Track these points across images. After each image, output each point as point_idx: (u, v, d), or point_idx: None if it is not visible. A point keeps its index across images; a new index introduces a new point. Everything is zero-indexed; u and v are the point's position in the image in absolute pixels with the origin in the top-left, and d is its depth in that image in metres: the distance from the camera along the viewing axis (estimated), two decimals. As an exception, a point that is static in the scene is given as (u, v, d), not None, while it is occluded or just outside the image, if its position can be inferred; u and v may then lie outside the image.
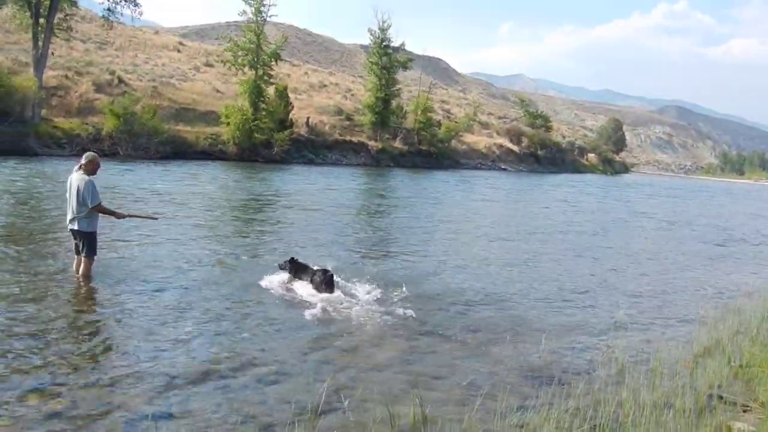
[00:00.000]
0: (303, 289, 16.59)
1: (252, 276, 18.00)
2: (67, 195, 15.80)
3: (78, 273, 16.08)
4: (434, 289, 18.30)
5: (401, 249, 24.52)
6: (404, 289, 17.44)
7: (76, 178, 15.59)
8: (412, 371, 11.79)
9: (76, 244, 16.04)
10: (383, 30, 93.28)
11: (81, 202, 15.48)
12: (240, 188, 43.63)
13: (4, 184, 34.51)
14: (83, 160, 15.76)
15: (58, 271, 16.69)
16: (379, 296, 16.74)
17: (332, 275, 16.67)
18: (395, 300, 16.50)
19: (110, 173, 32.31)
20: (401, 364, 12.16)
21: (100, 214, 15.99)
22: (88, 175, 15.68)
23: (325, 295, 16.04)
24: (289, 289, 16.79)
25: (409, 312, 15.33)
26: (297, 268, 17.41)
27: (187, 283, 16.71)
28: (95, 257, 16.17)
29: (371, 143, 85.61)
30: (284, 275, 17.57)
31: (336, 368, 11.64)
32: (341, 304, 15.69)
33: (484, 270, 21.53)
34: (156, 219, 21.35)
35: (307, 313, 14.82)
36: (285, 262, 17.79)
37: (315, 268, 17.20)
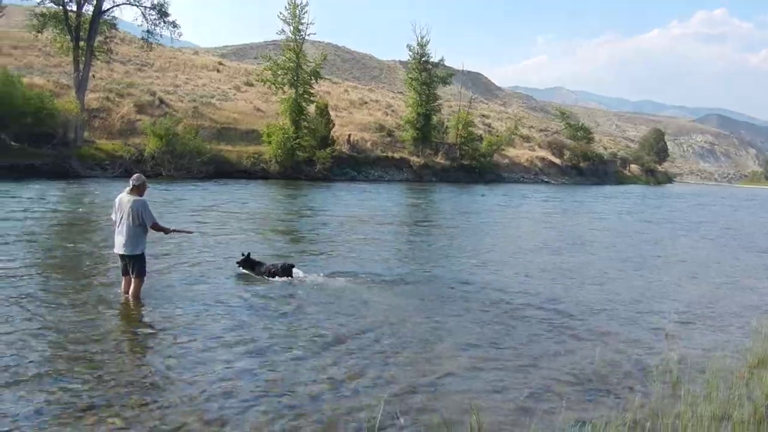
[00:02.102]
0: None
1: (301, 293, 17.96)
2: (115, 217, 15.78)
3: (127, 294, 16.01)
4: (486, 300, 18.20)
5: (454, 263, 24.33)
6: (456, 302, 17.51)
7: (127, 199, 15.55)
8: (468, 385, 11.69)
9: (124, 265, 15.92)
10: (422, 46, 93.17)
11: (138, 223, 15.48)
12: (284, 206, 43.69)
13: (50, 205, 34.75)
14: (136, 182, 15.73)
15: (107, 293, 16.65)
16: (431, 309, 16.78)
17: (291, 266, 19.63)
18: (447, 313, 16.46)
19: (155, 194, 32.27)
20: (458, 377, 12.04)
21: (147, 236, 15.95)
22: (139, 196, 15.67)
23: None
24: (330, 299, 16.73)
25: (463, 325, 15.31)
26: (251, 264, 19.73)
27: (237, 301, 16.68)
28: (145, 278, 16.13)
29: (413, 159, 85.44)
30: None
31: (393, 382, 11.58)
32: (393, 317, 15.63)
33: (536, 282, 21.28)
34: (191, 233, 21.23)
35: (363, 326, 14.87)
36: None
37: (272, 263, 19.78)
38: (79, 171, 56.30)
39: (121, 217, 15.57)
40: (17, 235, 25.33)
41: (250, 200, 45.43)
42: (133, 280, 15.86)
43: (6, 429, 9.10)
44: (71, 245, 24.10)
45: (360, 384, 11.47)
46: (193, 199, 42.87)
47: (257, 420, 9.82)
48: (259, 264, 19.90)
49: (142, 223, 15.51)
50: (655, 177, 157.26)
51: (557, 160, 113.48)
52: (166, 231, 16.60)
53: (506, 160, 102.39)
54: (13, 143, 55.16)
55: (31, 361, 11.60)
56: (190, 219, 31.72)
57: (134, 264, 15.74)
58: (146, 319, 14.87)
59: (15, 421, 9.35)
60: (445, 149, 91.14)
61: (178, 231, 18.30)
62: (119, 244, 15.68)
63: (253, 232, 30.21)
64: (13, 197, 37.65)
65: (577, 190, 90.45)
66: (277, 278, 19.29)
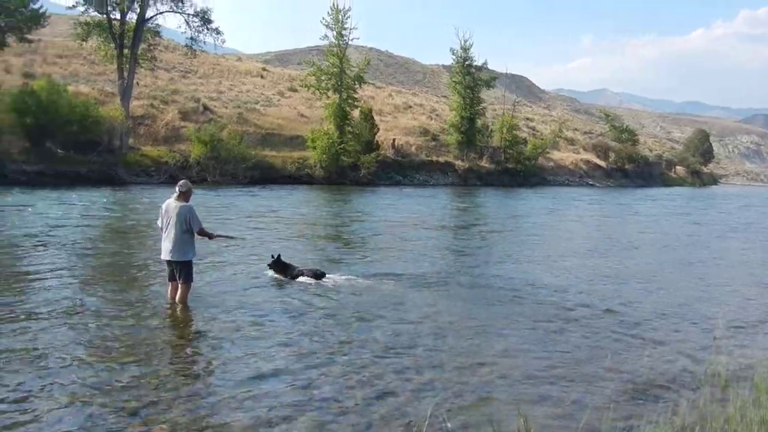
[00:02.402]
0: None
1: (346, 296, 18.02)
2: (161, 223, 15.84)
3: (174, 299, 16.05)
4: (536, 304, 18.14)
5: (503, 266, 24.28)
6: (505, 305, 17.52)
7: (174, 206, 15.59)
8: (516, 389, 11.65)
9: (171, 270, 15.94)
10: (465, 49, 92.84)
11: (185, 228, 15.53)
12: (330, 210, 43.89)
13: (97, 212, 35.06)
14: (183, 189, 15.81)
15: (154, 299, 16.81)
16: (480, 312, 16.76)
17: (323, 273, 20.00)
18: (496, 316, 16.45)
19: (200, 200, 32.30)
20: (505, 381, 12.02)
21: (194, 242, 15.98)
22: (186, 202, 15.71)
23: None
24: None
25: (505, 329, 15.29)
26: (281, 266, 19.98)
27: (283, 306, 16.68)
28: (192, 283, 16.14)
29: (458, 163, 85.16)
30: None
31: (440, 387, 11.50)
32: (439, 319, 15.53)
33: (585, 285, 21.17)
34: (233, 238, 21.55)
35: (410, 329, 14.86)
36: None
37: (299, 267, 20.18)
38: (125, 178, 56.91)
39: (168, 224, 15.61)
40: (65, 241, 25.64)
41: (296, 205, 45.76)
42: (180, 285, 15.90)
43: None
44: (118, 251, 24.46)
45: (406, 388, 11.47)
46: (239, 204, 43.23)
47: (303, 425, 9.83)
48: (290, 267, 20.14)
49: (189, 228, 15.57)
50: (700, 178, 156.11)
51: (602, 163, 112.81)
52: (211, 236, 16.60)
53: (551, 164, 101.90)
54: (59, 151, 55.69)
55: (77, 366, 11.69)
56: (237, 224, 31.91)
57: (181, 270, 15.77)
58: (193, 325, 14.98)
59: (64, 426, 9.36)
60: (489, 153, 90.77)
61: (222, 236, 18.29)
62: (166, 250, 15.71)
63: (301, 236, 30.40)
64: (61, 204, 38.19)
65: (622, 192, 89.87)
66: (304, 279, 19.57)
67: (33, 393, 10.45)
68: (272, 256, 20.24)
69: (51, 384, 10.80)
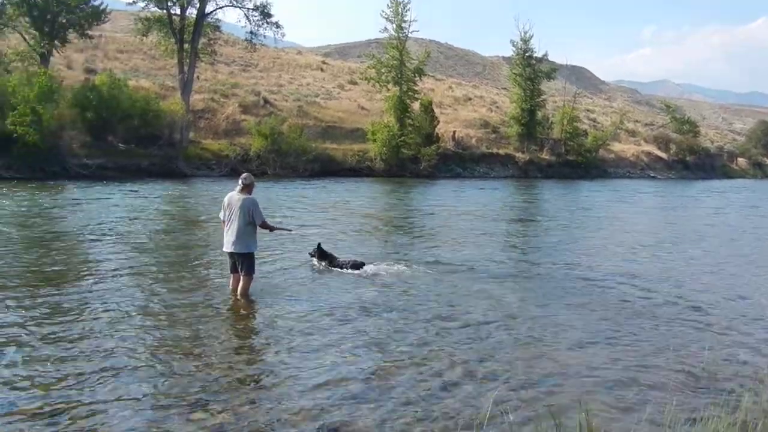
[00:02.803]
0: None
1: (411, 287, 18.08)
2: (223, 216, 15.92)
3: (235, 292, 16.11)
4: (601, 296, 18.00)
5: (569, 258, 24.12)
6: (570, 297, 17.39)
7: (237, 198, 15.70)
8: (576, 382, 11.57)
9: (233, 262, 16.03)
10: (525, 41, 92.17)
11: (248, 221, 15.62)
12: (394, 202, 44.26)
13: (159, 205, 35.44)
14: (246, 181, 15.91)
15: (216, 291, 16.88)
16: (545, 304, 16.68)
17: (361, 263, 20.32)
18: (561, 307, 16.34)
19: (262, 192, 32.33)
20: (565, 374, 11.89)
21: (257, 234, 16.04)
22: (248, 194, 15.81)
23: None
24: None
25: (571, 321, 15.15)
26: (323, 255, 20.41)
27: (345, 297, 16.66)
28: (254, 275, 16.16)
29: (518, 155, 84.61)
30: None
31: (500, 380, 11.40)
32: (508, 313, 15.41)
33: (651, 278, 20.79)
34: (290, 231, 21.73)
35: (474, 320, 14.84)
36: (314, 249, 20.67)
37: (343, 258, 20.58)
38: (186, 171, 57.57)
39: (231, 216, 15.68)
40: (128, 233, 26.10)
41: (358, 197, 46.19)
42: (242, 277, 15.96)
43: (119, 422, 9.25)
44: (181, 243, 24.78)
45: (469, 379, 11.45)
46: (301, 196, 43.52)
47: (367, 416, 9.81)
48: (330, 256, 20.48)
49: (252, 221, 15.66)
50: (762, 170, 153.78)
51: (663, 155, 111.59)
52: (271, 229, 16.85)
53: (612, 156, 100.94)
54: (120, 145, 56.19)
55: (141, 357, 11.85)
56: (300, 216, 32.27)
57: (244, 262, 15.83)
58: (254, 317, 15.10)
59: (127, 415, 9.46)
60: (550, 145, 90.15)
61: (281, 229, 18.32)
62: (229, 242, 15.78)
63: (365, 228, 30.72)
64: (124, 197, 38.75)
65: (684, 184, 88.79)
66: (346, 270, 19.81)
67: (96, 383, 10.53)
68: (318, 245, 20.65)
69: (115, 374, 10.90)
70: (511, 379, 11.50)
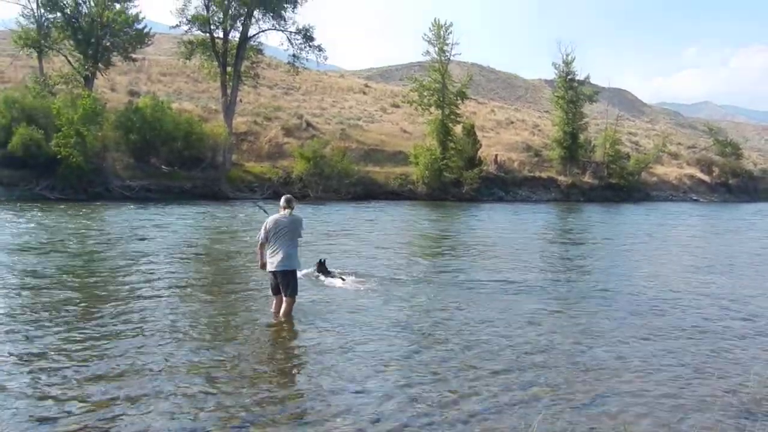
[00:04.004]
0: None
1: (458, 309, 17.87)
2: (264, 238, 15.91)
3: (278, 313, 16.06)
4: (647, 318, 17.62)
5: (619, 281, 23.61)
6: (616, 320, 17.22)
7: (283, 217, 15.76)
8: (617, 407, 11.25)
9: (276, 284, 15.95)
10: (567, 63, 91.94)
11: (293, 238, 15.76)
12: (439, 225, 43.89)
13: (201, 226, 35.89)
14: (293, 203, 16.11)
15: (257, 312, 16.89)
16: (592, 327, 16.48)
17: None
18: (608, 329, 16.17)
19: (304, 215, 32.56)
20: (606, 400, 11.59)
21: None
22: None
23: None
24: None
25: (624, 341, 15.04)
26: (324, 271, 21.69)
27: (387, 319, 16.54)
28: (296, 297, 16.15)
29: (560, 178, 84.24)
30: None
31: (543, 405, 11.16)
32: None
33: (700, 301, 20.29)
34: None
35: (520, 341, 14.76)
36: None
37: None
38: (228, 193, 58.04)
39: (276, 236, 15.67)
40: (173, 254, 26.13)
41: (408, 220, 46.47)
42: (285, 299, 15.90)
43: None
44: (223, 265, 24.91)
45: (511, 398, 11.34)
46: (345, 219, 43.75)
47: None
48: (330, 272, 21.72)
49: (297, 237, 15.85)
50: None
51: (706, 178, 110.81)
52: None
53: (654, 178, 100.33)
54: (163, 167, 56.66)
55: (184, 376, 11.88)
56: (345, 240, 32.36)
57: (289, 282, 15.78)
58: (297, 338, 14.99)
59: None
60: (592, 168, 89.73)
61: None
62: (275, 262, 15.69)
63: (412, 251, 30.48)
64: (168, 219, 38.96)
65: (728, 207, 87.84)
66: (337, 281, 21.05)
67: (139, 402, 10.62)
68: (320, 260, 22.01)
69: (154, 394, 10.97)
70: (553, 399, 11.43)
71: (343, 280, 21.03)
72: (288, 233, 15.61)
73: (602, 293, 21.18)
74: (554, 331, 15.93)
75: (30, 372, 11.80)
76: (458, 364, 13.20)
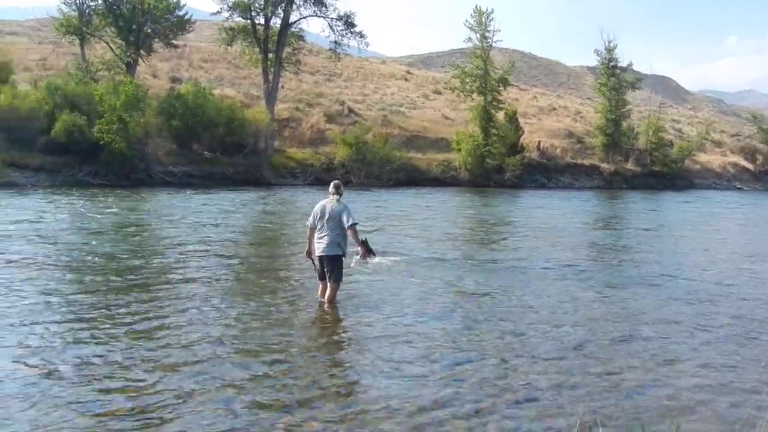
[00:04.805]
0: None
1: (504, 295, 17.85)
2: (313, 223, 15.91)
3: (323, 298, 16.04)
4: (698, 309, 17.28)
5: (670, 268, 23.27)
6: (664, 309, 16.93)
7: (330, 203, 15.73)
8: (666, 397, 11.03)
9: (322, 269, 15.91)
10: (609, 50, 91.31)
11: (339, 224, 15.60)
12: (480, 213, 43.74)
13: (245, 212, 36.44)
14: (341, 188, 16.14)
15: (303, 297, 16.94)
16: (642, 316, 16.14)
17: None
18: (654, 320, 15.79)
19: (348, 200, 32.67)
20: (654, 388, 11.45)
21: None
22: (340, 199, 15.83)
23: None
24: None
25: (668, 332, 14.74)
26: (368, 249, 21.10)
27: (434, 306, 16.48)
28: (341, 282, 16.08)
29: (603, 165, 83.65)
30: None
31: (589, 392, 11.06)
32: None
33: (748, 291, 19.90)
34: (371, 255, 21.36)
35: (567, 330, 14.56)
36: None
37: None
38: (270, 179, 58.22)
39: (323, 222, 15.67)
40: (218, 240, 26.30)
41: (446, 206, 46.47)
42: (329, 284, 15.85)
43: (207, 426, 9.28)
44: (267, 250, 25.18)
45: (558, 388, 11.18)
46: (389, 205, 43.73)
47: (454, 428, 9.52)
48: (373, 252, 21.63)
49: (342, 224, 15.62)
50: None
51: (750, 166, 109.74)
52: (358, 242, 16.77)
53: (697, 166, 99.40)
54: (205, 153, 56.91)
55: (229, 362, 11.92)
56: (390, 224, 32.61)
57: (333, 267, 15.71)
58: (341, 324, 15.03)
59: (216, 419, 9.50)
60: (635, 155, 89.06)
61: (365, 250, 18.02)
62: (320, 247, 15.68)
63: (456, 235, 30.74)
64: (213, 204, 39.45)
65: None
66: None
67: (186, 386, 10.61)
68: (362, 239, 20.48)
69: (202, 379, 10.95)
70: (600, 389, 11.25)
71: (385, 259, 21.38)
72: (334, 219, 15.53)
73: (652, 279, 20.98)
74: (602, 317, 15.88)
75: (78, 354, 11.91)
76: (503, 349, 13.17)
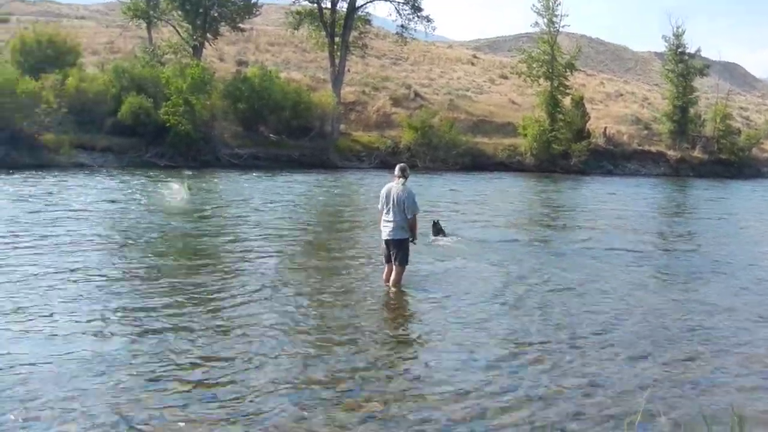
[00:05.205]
0: None
1: (577, 282, 17.79)
2: (382, 205, 15.96)
3: (388, 282, 16.11)
4: (760, 297, 17.12)
5: (732, 257, 23.01)
6: (727, 297, 16.81)
7: (395, 187, 15.72)
8: (731, 389, 10.97)
9: (388, 253, 15.99)
10: (678, 36, 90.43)
11: (402, 210, 15.54)
12: (547, 198, 43.57)
13: (311, 194, 37.05)
14: (407, 171, 16.18)
15: (366, 279, 17.16)
16: (699, 302, 16.18)
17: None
18: (717, 307, 15.65)
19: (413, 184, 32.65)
20: (720, 379, 11.44)
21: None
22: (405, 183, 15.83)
23: None
24: None
25: (730, 319, 14.63)
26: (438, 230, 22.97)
27: (497, 292, 16.51)
28: (407, 266, 16.12)
29: (670, 152, 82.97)
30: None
31: (654, 381, 11.08)
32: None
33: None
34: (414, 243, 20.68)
35: (630, 319, 14.49)
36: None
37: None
38: (336, 162, 58.56)
39: (389, 205, 15.72)
40: (285, 220, 26.98)
41: (513, 191, 47.06)
42: (395, 267, 15.92)
43: (271, 405, 9.52)
44: (335, 232, 25.47)
45: (621, 374, 11.33)
46: (456, 189, 43.91)
47: (516, 414, 9.64)
48: (444, 233, 22.92)
49: (405, 210, 15.64)
50: None
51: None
52: (414, 236, 16.36)
53: (766, 155, 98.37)
54: (272, 135, 57.36)
55: (292, 342, 12.30)
56: (459, 207, 33.08)
57: (399, 250, 15.78)
58: (406, 307, 15.29)
59: (279, 401, 9.68)
60: (702, 143, 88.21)
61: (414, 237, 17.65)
62: (386, 230, 15.81)
63: (524, 219, 31.25)
64: (281, 187, 40.31)
65: None
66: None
67: (249, 366, 11.00)
68: (434, 221, 23.27)
69: (265, 362, 11.21)
70: (663, 376, 11.29)
71: (453, 241, 22.22)
72: (399, 204, 15.53)
73: (720, 267, 20.97)
74: (669, 305, 15.88)
75: (142, 334, 12.24)
76: (569, 334, 13.25)
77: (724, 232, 29.58)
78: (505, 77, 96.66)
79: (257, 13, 69.85)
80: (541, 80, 75.00)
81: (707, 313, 14.96)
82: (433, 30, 73.02)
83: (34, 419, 8.72)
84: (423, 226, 18.62)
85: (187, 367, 10.64)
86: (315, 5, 66.91)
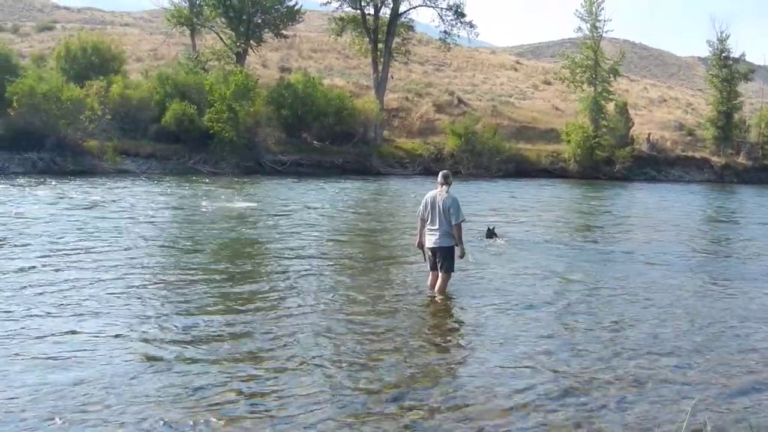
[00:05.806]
0: None
1: (616, 288, 17.70)
2: (423, 214, 15.86)
3: (433, 289, 16.03)
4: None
5: None
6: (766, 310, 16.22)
7: (439, 194, 15.60)
8: None
9: (433, 260, 15.93)
10: (722, 41, 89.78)
11: (448, 217, 15.40)
12: (591, 204, 43.55)
13: (354, 200, 37.12)
14: (450, 178, 15.98)
15: (411, 286, 17.02)
16: (740, 313, 15.74)
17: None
18: (757, 317, 15.35)
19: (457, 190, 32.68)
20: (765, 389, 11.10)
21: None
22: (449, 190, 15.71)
23: None
24: None
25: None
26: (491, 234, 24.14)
27: (544, 299, 16.34)
28: (452, 273, 16.01)
29: (714, 159, 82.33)
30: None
31: (697, 390, 10.76)
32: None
33: None
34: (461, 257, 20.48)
35: (670, 327, 14.26)
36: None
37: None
38: (379, 169, 58.80)
39: (433, 213, 15.64)
40: (329, 227, 27.25)
41: (558, 197, 46.96)
42: (440, 275, 15.81)
43: (315, 411, 9.45)
44: (379, 239, 25.33)
45: (666, 384, 11.02)
46: (500, 195, 44.45)
47: (553, 421, 9.53)
48: (498, 237, 24.01)
49: (449, 218, 15.51)
50: None
51: None
52: (459, 240, 16.01)
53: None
54: (315, 142, 57.86)
55: (336, 348, 12.18)
56: (506, 213, 33.07)
57: (445, 257, 15.68)
58: (451, 315, 15.20)
59: (323, 404, 9.70)
60: (746, 149, 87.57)
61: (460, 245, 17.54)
62: (433, 239, 15.70)
63: (569, 225, 31.11)
64: (325, 192, 40.46)
65: None
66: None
67: (292, 372, 10.93)
68: (489, 227, 24.50)
69: (308, 366, 11.18)
70: (708, 387, 11.00)
71: (502, 244, 22.99)
72: (445, 212, 15.42)
73: (766, 275, 20.47)
74: (715, 312, 15.64)
75: (179, 339, 12.25)
76: (613, 340, 13.20)
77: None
78: (548, 83, 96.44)
79: (300, 19, 69.88)
80: (585, 86, 74.69)
81: (755, 322, 14.73)
82: (476, 36, 73.31)
83: (80, 423, 8.80)
84: (471, 231, 18.50)
85: (235, 373, 10.67)
86: (358, 11, 67.39)
